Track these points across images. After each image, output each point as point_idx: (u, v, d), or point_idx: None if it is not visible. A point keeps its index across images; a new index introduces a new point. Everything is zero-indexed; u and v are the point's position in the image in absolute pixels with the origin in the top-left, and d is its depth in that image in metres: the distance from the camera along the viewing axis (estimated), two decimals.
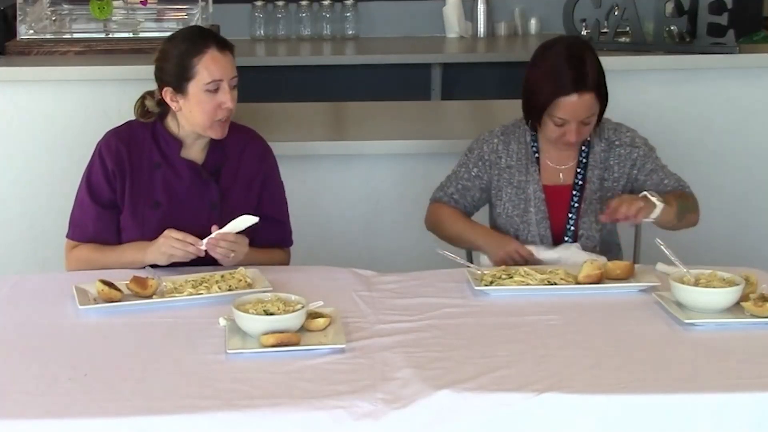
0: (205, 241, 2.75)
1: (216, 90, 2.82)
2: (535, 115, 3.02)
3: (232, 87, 2.86)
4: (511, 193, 3.10)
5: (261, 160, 3.01)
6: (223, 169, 2.97)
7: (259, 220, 2.95)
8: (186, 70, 2.82)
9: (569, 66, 2.96)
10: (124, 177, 2.92)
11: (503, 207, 3.11)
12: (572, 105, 2.94)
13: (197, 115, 2.85)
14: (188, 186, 2.93)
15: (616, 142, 3.10)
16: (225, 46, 2.86)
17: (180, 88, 2.84)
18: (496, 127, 3.18)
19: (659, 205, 2.91)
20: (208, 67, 2.81)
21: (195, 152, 2.95)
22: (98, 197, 2.93)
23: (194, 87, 2.83)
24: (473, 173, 3.13)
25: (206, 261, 2.82)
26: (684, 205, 3.03)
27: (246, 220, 2.76)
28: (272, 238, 3.03)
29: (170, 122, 2.94)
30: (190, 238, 2.76)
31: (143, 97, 2.95)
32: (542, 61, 3.03)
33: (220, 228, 2.77)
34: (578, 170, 3.10)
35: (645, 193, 2.95)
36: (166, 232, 2.78)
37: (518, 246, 2.98)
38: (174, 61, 2.85)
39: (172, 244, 2.75)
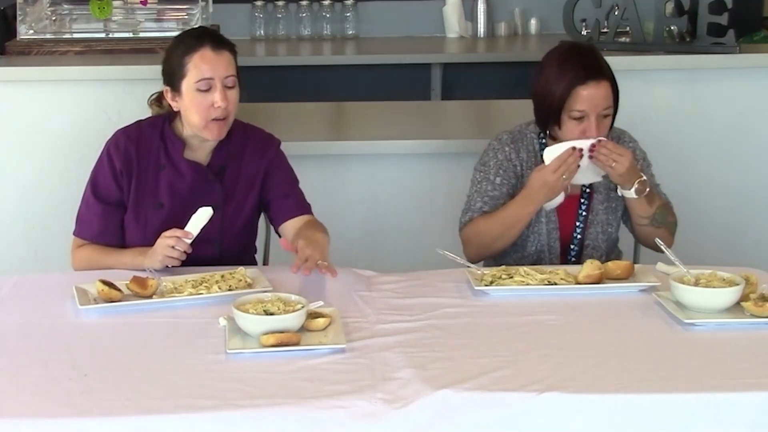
0: (191, 228, 2.75)
1: (208, 89, 2.83)
2: (552, 117, 2.96)
3: (228, 86, 2.85)
4: None
5: (261, 156, 3.00)
6: (228, 168, 2.97)
7: (278, 199, 2.95)
8: (179, 69, 2.85)
9: (580, 58, 2.96)
10: (130, 176, 2.93)
11: None
12: (590, 94, 2.92)
13: (192, 114, 2.86)
14: (191, 187, 2.93)
15: None
16: (221, 45, 2.86)
17: (175, 87, 2.87)
18: (493, 131, 3.15)
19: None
20: (198, 65, 2.82)
21: (201, 154, 2.95)
22: (105, 196, 2.93)
23: (186, 85, 2.84)
24: (497, 182, 3.05)
25: (206, 261, 2.83)
26: (663, 213, 3.04)
27: (204, 214, 2.77)
28: (298, 208, 3.00)
29: (177, 124, 2.95)
30: (179, 232, 2.74)
31: (162, 92, 2.96)
32: (551, 62, 3.00)
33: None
34: None
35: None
36: (160, 238, 2.76)
37: (545, 170, 2.92)
38: (170, 60, 2.88)
39: (167, 243, 2.74)
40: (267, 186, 3.00)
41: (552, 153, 2.93)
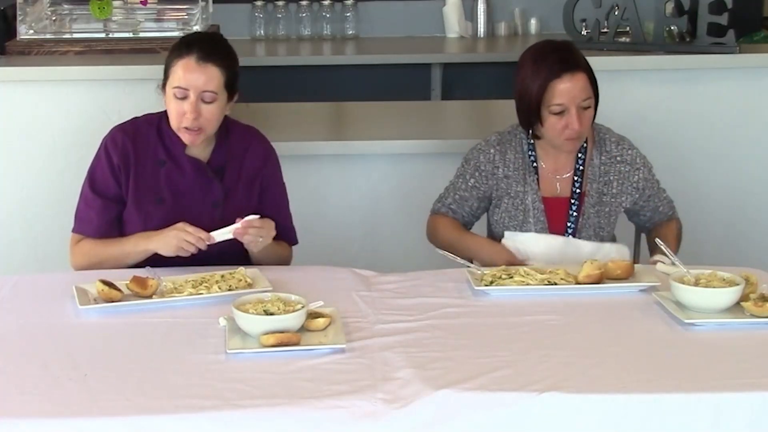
0: (217, 234, 2.78)
1: (183, 98, 2.84)
2: (532, 114, 2.97)
3: (204, 100, 2.85)
4: (509, 203, 3.07)
5: (264, 162, 3.02)
6: (227, 167, 2.98)
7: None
8: (167, 70, 2.89)
9: (554, 53, 2.98)
10: (128, 171, 2.94)
11: (500, 217, 3.09)
12: (566, 87, 2.92)
13: (169, 115, 2.90)
14: (192, 183, 2.95)
15: (618, 158, 3.07)
16: (209, 58, 2.85)
17: (163, 85, 2.91)
18: (492, 131, 3.15)
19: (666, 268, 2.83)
20: (177, 73, 2.85)
21: (199, 150, 2.96)
22: (103, 191, 2.94)
23: (168, 88, 2.88)
24: (470, 183, 3.09)
25: (206, 261, 2.83)
26: (677, 244, 3.09)
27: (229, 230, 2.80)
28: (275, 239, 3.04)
29: None
30: (203, 234, 2.78)
31: None
32: (526, 60, 3.03)
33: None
34: (575, 179, 3.07)
35: (657, 259, 2.88)
36: (180, 225, 2.79)
37: (510, 259, 2.93)
38: (167, 59, 2.92)
39: (185, 237, 2.77)
40: (262, 201, 3.01)
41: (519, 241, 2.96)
